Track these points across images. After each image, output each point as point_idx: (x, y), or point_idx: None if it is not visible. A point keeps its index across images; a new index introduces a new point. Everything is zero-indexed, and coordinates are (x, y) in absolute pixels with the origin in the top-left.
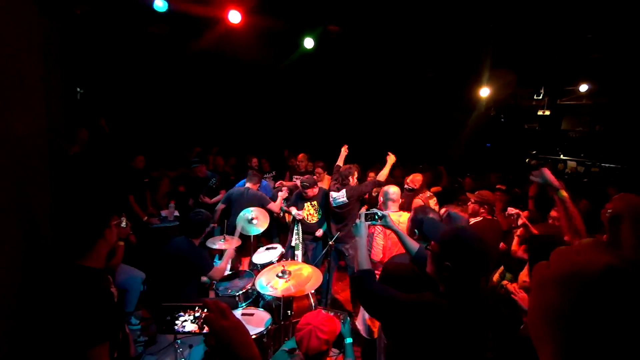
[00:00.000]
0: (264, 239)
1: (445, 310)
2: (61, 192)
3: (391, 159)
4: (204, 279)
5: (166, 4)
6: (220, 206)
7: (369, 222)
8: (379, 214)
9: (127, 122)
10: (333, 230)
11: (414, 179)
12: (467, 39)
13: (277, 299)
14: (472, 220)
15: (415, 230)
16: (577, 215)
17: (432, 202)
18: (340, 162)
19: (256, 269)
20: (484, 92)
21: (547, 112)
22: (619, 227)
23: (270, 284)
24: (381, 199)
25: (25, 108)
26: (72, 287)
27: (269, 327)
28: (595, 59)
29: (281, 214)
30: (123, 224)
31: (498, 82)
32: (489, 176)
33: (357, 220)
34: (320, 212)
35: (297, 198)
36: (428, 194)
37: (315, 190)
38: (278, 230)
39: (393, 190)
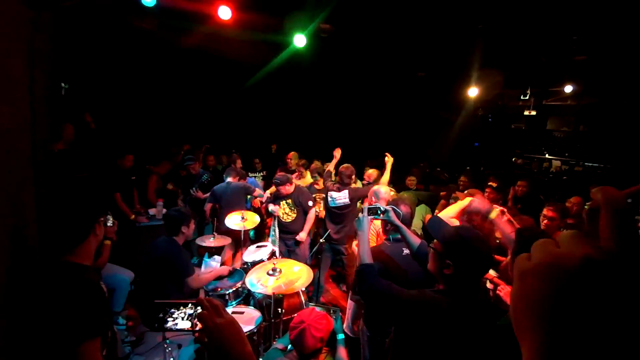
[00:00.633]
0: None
1: (444, 307)
2: (46, 189)
3: (390, 160)
4: None
5: None
6: (208, 205)
7: (372, 217)
8: (382, 208)
9: (113, 119)
10: (330, 229)
11: (369, 174)
12: (457, 39)
13: (267, 296)
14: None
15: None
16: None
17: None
18: (331, 167)
19: (246, 267)
20: (473, 92)
21: (533, 113)
22: (597, 219)
23: (260, 282)
24: (373, 198)
25: (8, 102)
26: (61, 282)
27: (260, 325)
28: (580, 61)
29: (264, 203)
30: (109, 223)
31: (486, 82)
32: (488, 178)
33: (360, 215)
34: (296, 211)
35: (274, 196)
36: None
37: (289, 189)
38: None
39: (384, 190)
